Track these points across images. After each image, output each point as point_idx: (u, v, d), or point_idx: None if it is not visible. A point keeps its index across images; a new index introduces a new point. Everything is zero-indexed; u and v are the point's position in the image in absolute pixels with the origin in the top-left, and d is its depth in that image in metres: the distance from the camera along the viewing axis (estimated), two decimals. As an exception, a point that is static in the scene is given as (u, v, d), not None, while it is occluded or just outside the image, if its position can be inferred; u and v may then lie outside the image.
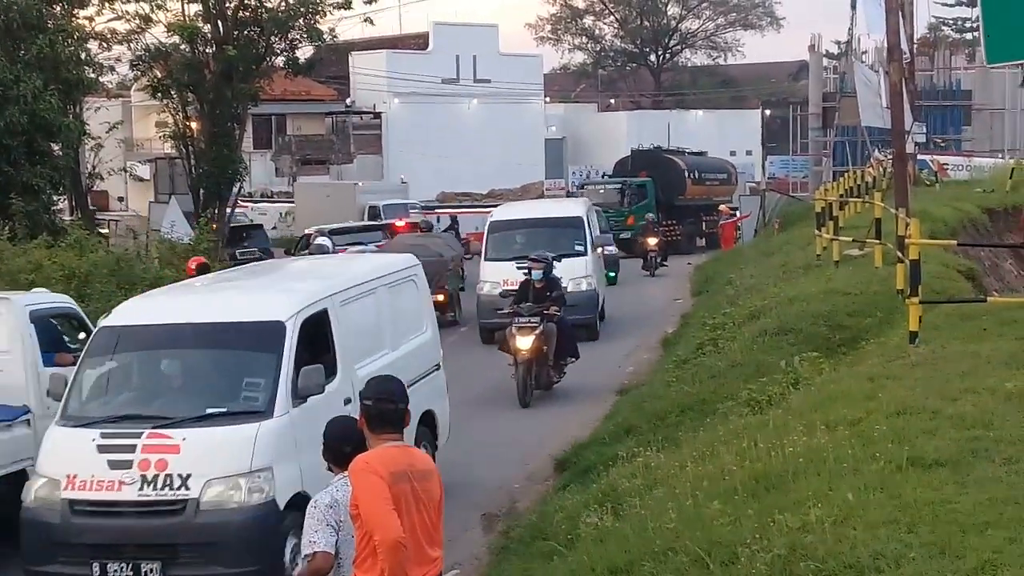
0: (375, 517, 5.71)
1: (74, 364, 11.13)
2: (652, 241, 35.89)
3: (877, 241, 19.25)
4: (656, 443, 11.63)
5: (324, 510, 6.17)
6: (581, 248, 22.78)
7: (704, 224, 45.37)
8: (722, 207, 43.07)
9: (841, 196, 25.96)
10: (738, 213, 41.49)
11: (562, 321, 17.61)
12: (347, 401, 10.27)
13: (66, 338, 13.03)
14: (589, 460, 12.35)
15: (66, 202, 30.63)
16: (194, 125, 32.53)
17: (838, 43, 57.15)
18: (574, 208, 24.80)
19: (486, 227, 23.90)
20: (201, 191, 32.57)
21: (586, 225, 23.41)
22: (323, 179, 57.40)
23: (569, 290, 19.46)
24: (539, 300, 17.57)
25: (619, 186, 43.00)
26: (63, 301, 13.92)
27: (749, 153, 73.86)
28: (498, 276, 21.51)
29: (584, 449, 13.05)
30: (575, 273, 21.57)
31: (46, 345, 12.33)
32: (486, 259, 22.73)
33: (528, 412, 16.62)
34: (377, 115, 62.29)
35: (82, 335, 12.65)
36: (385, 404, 6.08)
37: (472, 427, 15.35)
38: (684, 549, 7.28)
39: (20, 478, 10.88)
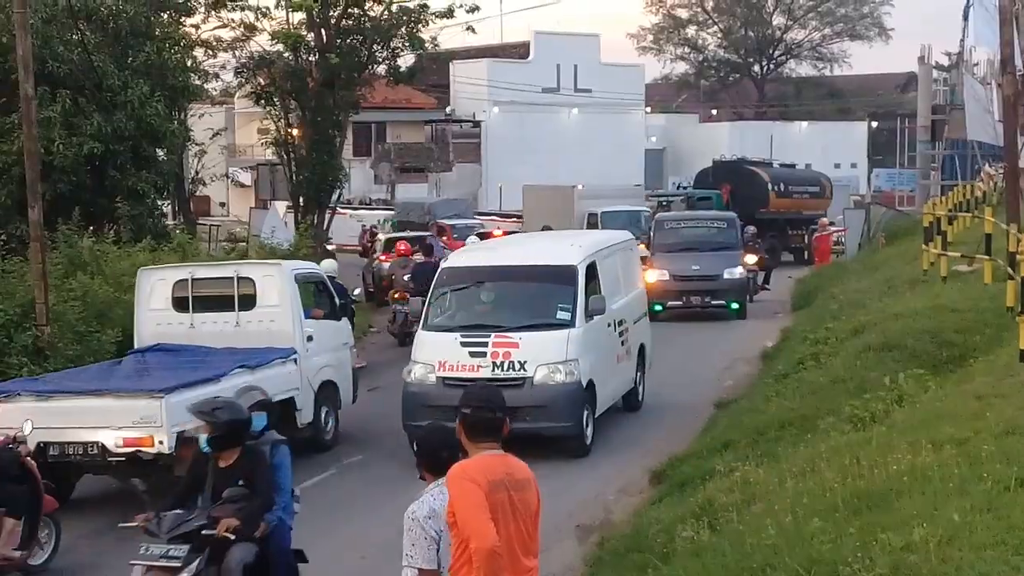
0: (471, 525, 5.63)
1: (324, 318, 15.90)
2: (751, 259, 30.82)
3: (987, 257, 18.77)
4: (755, 458, 11.40)
5: (424, 522, 5.99)
6: (565, 316, 14.87)
7: (790, 239, 44.41)
8: (821, 220, 41.88)
9: (950, 210, 25.40)
10: (832, 227, 40.17)
11: (269, 545, 8.67)
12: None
13: (314, 298, 16.33)
14: (685, 473, 12.15)
15: (169, 206, 31.15)
16: (296, 132, 32.92)
17: (948, 54, 56.00)
18: (570, 253, 15.88)
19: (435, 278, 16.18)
20: (301, 197, 32.93)
21: (580, 281, 15.12)
22: (422, 187, 57.79)
23: (536, 380, 14.22)
24: (217, 498, 8.61)
25: (683, 198, 42.57)
26: (314, 269, 17.65)
27: (854, 166, 72.86)
28: (434, 355, 14.56)
29: (680, 462, 12.86)
30: (548, 356, 14.38)
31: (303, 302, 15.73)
32: (423, 327, 15.22)
33: (624, 424, 16.44)
34: (477, 123, 62.60)
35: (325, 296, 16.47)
36: (485, 412, 5.99)
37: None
38: (783, 566, 7.10)
39: (288, 406, 14.30)
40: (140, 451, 12.27)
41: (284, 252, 26.97)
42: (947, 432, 9.19)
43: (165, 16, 28.29)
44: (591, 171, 55.26)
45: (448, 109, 63.30)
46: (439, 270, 16.12)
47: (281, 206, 37.81)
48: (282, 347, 14.78)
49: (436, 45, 34.71)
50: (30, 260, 17.38)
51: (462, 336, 14.63)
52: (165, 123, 24.86)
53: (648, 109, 73.23)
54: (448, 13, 32.99)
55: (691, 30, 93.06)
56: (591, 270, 15.51)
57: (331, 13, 32.26)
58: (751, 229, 33.72)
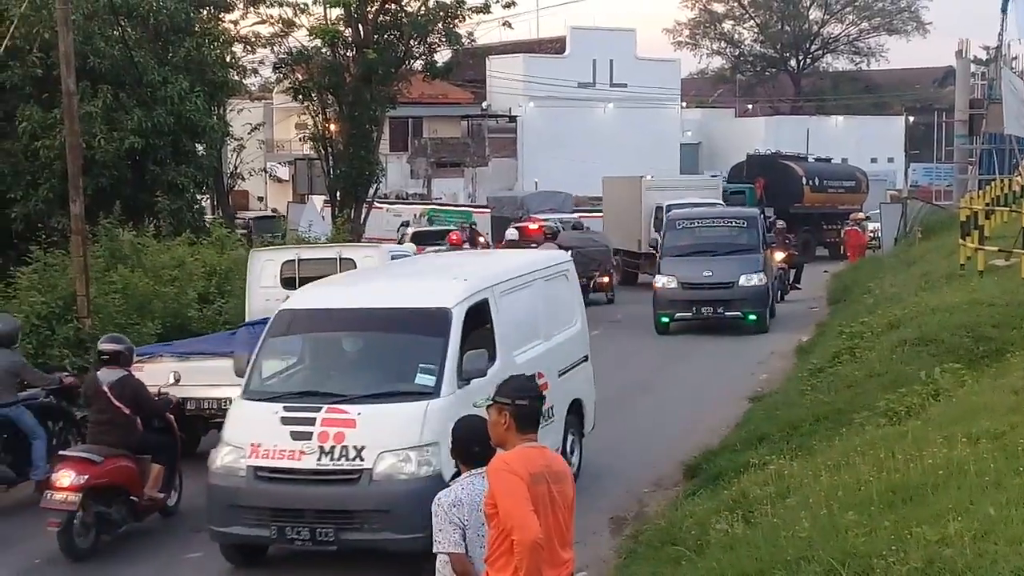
0: (515, 517, 5.70)
1: None
2: (779, 256, 29.23)
3: (1024, 251, 18.67)
4: (789, 452, 11.42)
5: (448, 509, 6.18)
6: (427, 380, 10.59)
7: (824, 233, 44.16)
8: (855, 215, 41.63)
9: (987, 205, 25.24)
10: (868, 223, 39.79)
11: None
12: None
13: None
14: (719, 467, 12.17)
15: (208, 201, 31.37)
16: (333, 127, 33.05)
17: (987, 49, 55.64)
18: (445, 291, 11.43)
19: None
20: (338, 192, 33.08)
21: (455, 330, 10.85)
22: (458, 181, 57.91)
23: (377, 473, 10.05)
24: None
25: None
26: (405, 251, 19.91)
27: (891, 160, 72.41)
28: (247, 435, 10.54)
29: (715, 455, 12.88)
30: (395, 440, 10.19)
31: None
32: (241, 394, 11.15)
33: (658, 417, 16.47)
34: (513, 119, 62.61)
35: None
36: (536, 403, 6.10)
37: (601, 431, 15.28)
38: (817, 559, 7.12)
39: None
40: None
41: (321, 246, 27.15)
42: (983, 426, 9.18)
43: (204, 12, 28.50)
44: (626, 166, 55.07)
45: (484, 104, 63.34)
46: (275, 313, 11.84)
47: (318, 200, 37.98)
48: None
49: (472, 40, 34.74)
50: (72, 253, 17.60)
51: (285, 409, 10.41)
52: (204, 118, 25.03)
53: (684, 104, 73.01)
54: (484, 8, 33.03)
55: (727, 25, 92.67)
56: (477, 313, 11.06)
57: (368, 9, 32.36)
58: (781, 224, 31.97)
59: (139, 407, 11.77)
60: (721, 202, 35.15)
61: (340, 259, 17.27)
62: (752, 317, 23.55)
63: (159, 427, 12.18)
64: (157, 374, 13.51)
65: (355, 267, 16.94)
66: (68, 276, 17.68)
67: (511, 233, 33.64)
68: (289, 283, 16.66)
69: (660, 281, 23.86)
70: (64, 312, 17.10)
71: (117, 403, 11.55)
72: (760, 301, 23.75)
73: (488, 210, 45.38)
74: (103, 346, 11.97)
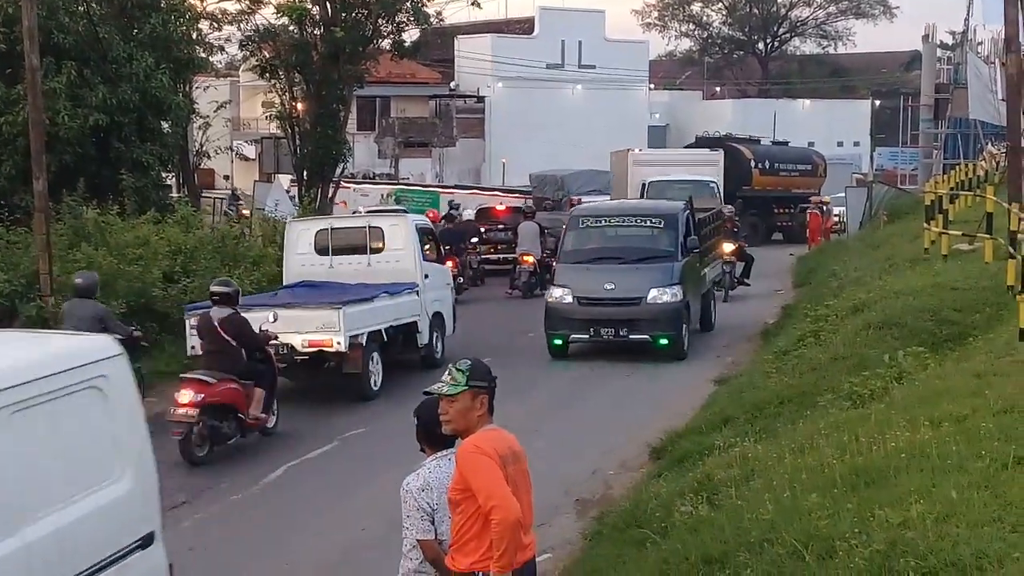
0: (495, 497, 5.64)
1: (433, 261, 19.20)
2: (727, 248, 26.28)
3: (988, 236, 18.81)
4: (754, 434, 11.48)
5: (417, 494, 6.11)
6: None
7: (776, 217, 44.02)
8: (815, 198, 41.53)
9: (952, 189, 25.43)
10: (827, 207, 39.61)
11: None
12: None
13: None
14: (685, 449, 12.21)
15: (173, 179, 31.12)
16: (300, 106, 32.85)
17: (953, 33, 55.99)
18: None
19: None
20: (305, 171, 32.91)
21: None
22: (426, 161, 57.77)
23: None
24: None
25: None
26: (426, 222, 21.11)
27: (857, 144, 72.83)
28: None
29: (680, 438, 12.92)
30: None
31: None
32: None
33: (624, 399, 16.52)
34: (481, 99, 62.52)
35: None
36: (493, 386, 6.03)
37: (567, 413, 15.34)
38: (780, 541, 7.15)
39: (411, 328, 18.12)
40: (322, 350, 15.88)
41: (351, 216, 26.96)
42: (946, 410, 9.24)
43: (171, -12, 28.17)
44: (594, 147, 55.23)
45: (452, 84, 63.21)
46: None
47: (285, 179, 37.80)
48: (406, 282, 18.21)
49: (441, 20, 34.56)
50: (34, 231, 17.44)
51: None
52: (170, 95, 24.79)
53: (652, 86, 73.13)
54: (453, -12, 32.92)
55: (696, 7, 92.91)
56: None
57: (336, -13, 32.16)
58: (729, 209, 28.80)
59: (243, 340, 13.98)
60: (715, 180, 33.19)
61: (369, 227, 19.17)
62: (663, 341, 19.05)
63: (260, 358, 14.32)
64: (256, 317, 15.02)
65: (383, 236, 18.82)
66: (31, 254, 17.53)
67: (460, 212, 33.35)
68: (323, 251, 18.84)
69: (552, 294, 19.65)
70: (27, 290, 16.97)
71: (225, 336, 13.84)
72: (673, 321, 19.05)
73: (526, 193, 44.02)
74: (214, 288, 14.29)
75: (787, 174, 44.82)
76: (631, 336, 19.09)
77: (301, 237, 19.25)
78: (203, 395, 13.29)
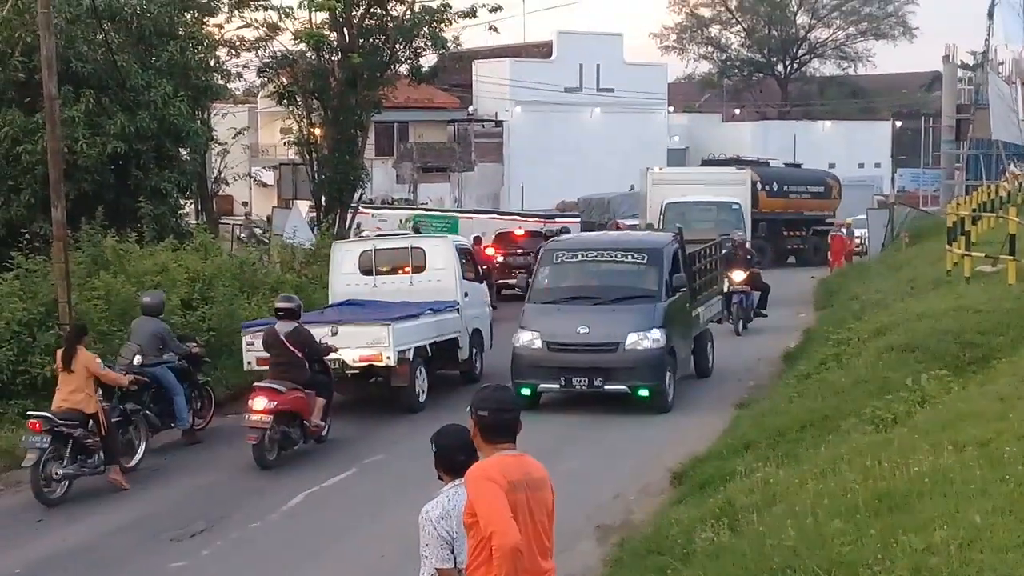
0: (494, 522, 5.59)
1: (472, 280, 20.04)
2: (738, 276, 24.73)
3: (1011, 257, 18.68)
4: (776, 459, 11.36)
5: (436, 522, 6.01)
6: None
7: (784, 240, 43.59)
8: (836, 222, 41.21)
9: (974, 210, 25.27)
10: (845, 231, 39.22)
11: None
12: None
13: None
14: (706, 474, 12.11)
15: (192, 206, 31.22)
16: (318, 132, 32.95)
17: (974, 54, 55.77)
18: None
19: None
20: (323, 197, 32.98)
21: None
22: (444, 186, 57.82)
23: None
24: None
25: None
26: (465, 243, 21.83)
27: (878, 166, 72.62)
28: None
29: (701, 463, 12.82)
30: None
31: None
32: None
33: (645, 424, 16.41)
34: (499, 123, 62.60)
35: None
36: (503, 414, 5.98)
37: (588, 437, 15.24)
38: (803, 568, 7.06)
39: (452, 344, 18.76)
40: (372, 364, 16.78)
41: (306, 251, 27.01)
42: (969, 434, 9.13)
43: (188, 16, 28.30)
44: (613, 171, 55.24)
45: (470, 109, 63.30)
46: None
47: (303, 205, 37.84)
48: (448, 300, 18.98)
49: (459, 45, 34.64)
50: (53, 259, 17.42)
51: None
52: (188, 123, 24.86)
53: (671, 108, 73.11)
54: (471, 13, 32.94)
55: (714, 29, 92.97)
56: None
57: (354, 13, 32.25)
58: (739, 235, 26.56)
59: (309, 351, 14.89)
60: (739, 202, 30.68)
61: (412, 248, 19.98)
62: (643, 392, 16.99)
63: (319, 370, 15.23)
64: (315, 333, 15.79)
65: (425, 256, 19.62)
66: (49, 282, 17.51)
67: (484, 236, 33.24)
68: (367, 271, 19.81)
69: (520, 339, 17.53)
70: (45, 319, 16.94)
71: (292, 348, 14.71)
72: (655, 370, 16.98)
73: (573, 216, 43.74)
74: (279, 304, 15.23)
75: (797, 196, 44.32)
76: (607, 386, 16.97)
77: (346, 258, 20.16)
78: (276, 403, 14.25)
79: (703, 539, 8.89)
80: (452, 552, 6.01)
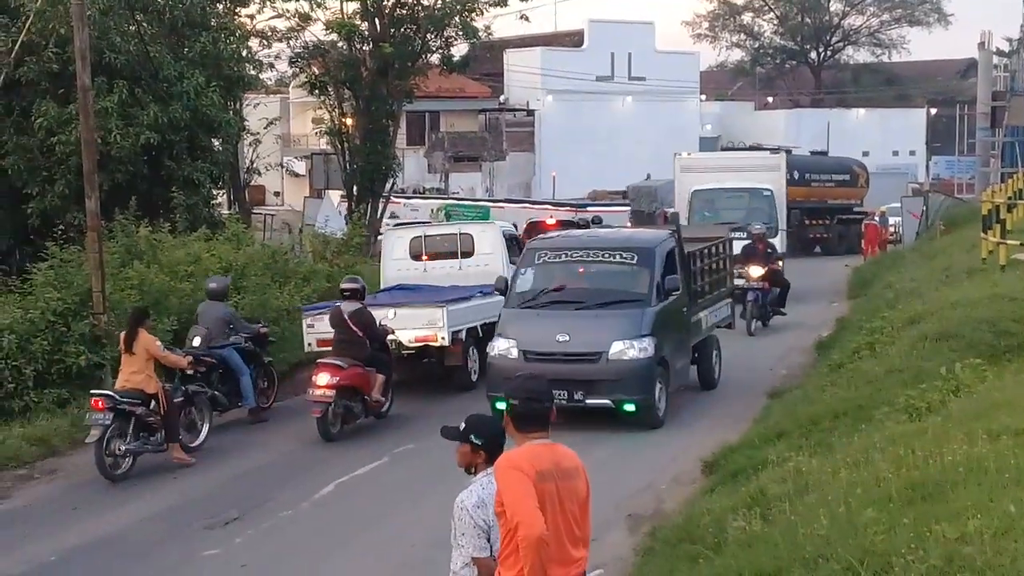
0: (520, 513, 5.61)
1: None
2: (755, 271, 23.15)
3: (1046, 244, 18.50)
4: (808, 448, 11.30)
5: (472, 511, 6.01)
6: None
7: (807, 229, 42.98)
8: (872, 209, 40.77)
9: (1009, 198, 25.04)
10: (876, 219, 38.76)
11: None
12: None
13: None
14: (738, 463, 12.06)
15: (224, 196, 31.34)
16: (349, 121, 33.03)
17: (1009, 40, 55.27)
18: None
19: None
20: (355, 186, 33.05)
21: None
22: (476, 176, 57.84)
23: None
24: None
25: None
26: (511, 229, 22.09)
27: (912, 153, 72.11)
28: None
29: (733, 452, 12.76)
30: None
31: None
32: None
33: (677, 414, 16.35)
34: (531, 112, 62.55)
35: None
36: (534, 404, 5.97)
37: (619, 426, 15.21)
38: (835, 557, 7.02)
39: (489, 328, 17.54)
40: (428, 344, 17.50)
41: (338, 241, 27.08)
42: (1004, 422, 9.06)
43: (220, 7, 28.43)
44: (645, 159, 55.07)
45: (502, 98, 63.29)
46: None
47: (335, 195, 38.00)
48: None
49: (490, 34, 34.64)
50: (87, 249, 17.55)
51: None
52: (220, 113, 24.98)
53: (703, 97, 72.82)
54: (502, 2, 32.92)
55: (747, 17, 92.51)
56: None
57: (385, 2, 32.34)
58: (758, 228, 24.72)
59: (369, 331, 15.67)
60: (771, 189, 28.62)
61: (460, 234, 20.71)
62: (628, 407, 15.30)
63: (378, 348, 15.91)
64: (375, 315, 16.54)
65: (473, 242, 20.28)
66: (84, 272, 17.63)
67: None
68: (417, 256, 20.61)
69: (495, 347, 15.87)
70: (80, 308, 17.06)
71: (354, 327, 15.51)
72: (642, 382, 15.26)
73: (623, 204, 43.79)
74: (345, 285, 16.10)
75: (820, 184, 43.31)
76: (588, 400, 15.13)
77: (397, 244, 21.02)
78: (338, 378, 14.97)
79: (735, 528, 8.86)
80: (488, 541, 6.01)
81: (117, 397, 13.63)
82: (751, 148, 43.05)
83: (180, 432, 14.35)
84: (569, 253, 16.80)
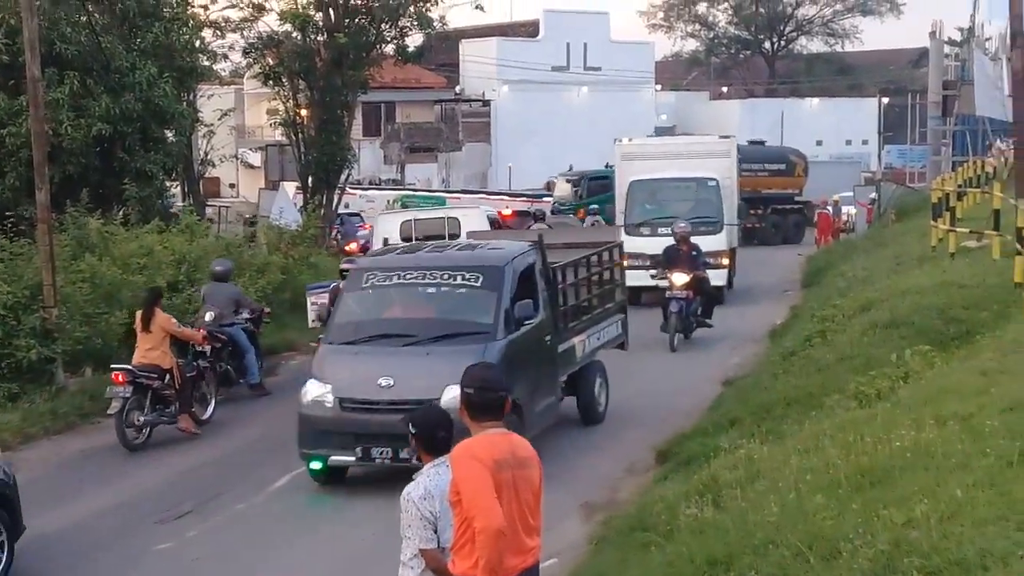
0: (478, 504, 5.63)
1: None
2: (679, 278, 20.12)
3: (995, 232, 18.70)
4: (760, 435, 11.38)
5: (419, 502, 6.05)
6: None
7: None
8: (822, 198, 40.88)
9: (959, 186, 25.29)
10: (831, 209, 38.56)
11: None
12: None
13: None
14: (691, 451, 12.16)
15: (178, 188, 31.13)
16: (304, 112, 32.88)
17: (961, 30, 55.82)
18: None
19: None
20: (310, 178, 32.91)
21: None
22: (432, 167, 57.73)
23: None
24: None
25: (576, 177, 40.96)
26: (493, 213, 24.34)
27: (866, 143, 72.53)
28: None
29: (686, 440, 12.86)
30: None
31: None
32: None
33: (630, 402, 16.42)
34: (486, 103, 62.50)
35: None
36: (487, 393, 5.99)
37: (571, 416, 15.25)
38: (785, 542, 7.10)
39: None
40: None
41: (292, 233, 26.97)
42: (951, 408, 9.17)
43: (173, -4, 28.18)
44: (600, 149, 55.07)
45: (457, 88, 63.20)
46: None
47: (290, 187, 37.80)
48: None
49: (445, 24, 34.59)
50: (38, 242, 17.39)
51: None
52: (173, 104, 24.75)
53: (658, 87, 73.01)
54: (456, -9, 32.89)
55: (702, 7, 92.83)
56: None
57: (339, -8, 32.17)
58: (682, 226, 21.16)
59: None
60: (716, 178, 25.77)
61: (447, 219, 22.44)
62: None
63: None
64: None
65: (459, 225, 21.36)
66: (34, 265, 17.46)
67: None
68: (407, 238, 21.64)
69: (307, 394, 12.72)
70: (30, 302, 16.90)
71: None
72: None
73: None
74: (345, 265, 16.71)
75: (751, 174, 42.12)
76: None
77: (388, 227, 22.70)
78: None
79: (687, 515, 8.92)
80: (435, 532, 6.04)
81: (136, 371, 14.54)
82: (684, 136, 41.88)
83: (193, 404, 15.40)
84: (402, 274, 13.54)
